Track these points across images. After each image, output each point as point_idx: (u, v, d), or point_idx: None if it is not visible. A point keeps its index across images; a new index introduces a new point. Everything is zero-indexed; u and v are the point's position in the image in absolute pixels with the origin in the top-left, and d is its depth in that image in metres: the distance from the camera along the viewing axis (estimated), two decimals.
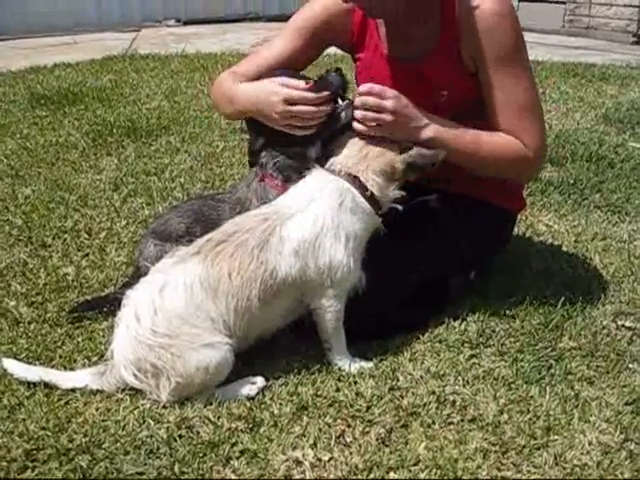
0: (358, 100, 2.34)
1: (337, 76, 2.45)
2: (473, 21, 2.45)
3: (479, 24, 2.44)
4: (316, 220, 2.26)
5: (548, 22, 9.29)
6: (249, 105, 2.51)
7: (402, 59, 2.60)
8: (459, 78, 2.51)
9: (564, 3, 9.26)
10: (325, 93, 2.39)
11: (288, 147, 2.47)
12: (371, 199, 2.32)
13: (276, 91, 2.41)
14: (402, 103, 2.34)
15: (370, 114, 2.32)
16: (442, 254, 2.61)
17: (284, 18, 9.16)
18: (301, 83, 2.41)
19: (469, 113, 2.48)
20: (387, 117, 2.32)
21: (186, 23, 9.67)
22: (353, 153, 2.35)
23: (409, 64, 2.57)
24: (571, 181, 3.96)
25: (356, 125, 2.36)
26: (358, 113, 2.34)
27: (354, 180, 2.32)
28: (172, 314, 2.18)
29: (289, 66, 2.67)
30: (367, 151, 2.35)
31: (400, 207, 2.39)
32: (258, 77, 2.58)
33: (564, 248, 3.25)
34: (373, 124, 2.34)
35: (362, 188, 2.31)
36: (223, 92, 2.66)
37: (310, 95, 2.37)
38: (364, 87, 2.34)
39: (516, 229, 3.12)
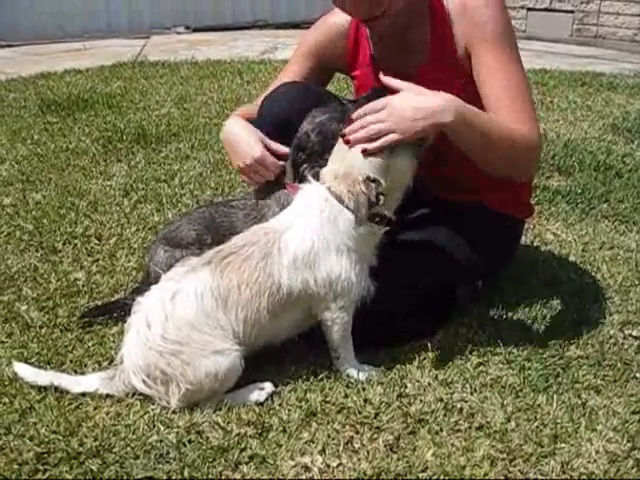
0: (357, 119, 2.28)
1: (381, 94, 2.49)
2: (460, 13, 2.48)
3: (469, 13, 2.46)
4: (305, 235, 2.27)
5: (556, 31, 9.30)
6: (227, 140, 2.68)
7: (395, 72, 2.62)
8: (452, 87, 2.51)
9: (572, 12, 9.27)
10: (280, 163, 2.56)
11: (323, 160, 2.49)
12: (358, 210, 2.28)
13: (253, 147, 2.56)
14: (394, 105, 2.24)
15: (371, 127, 2.23)
16: (449, 263, 2.62)
17: (292, 25, 9.25)
18: (281, 148, 2.57)
19: None
20: (389, 125, 2.22)
21: (195, 30, 9.70)
22: (334, 166, 2.30)
23: (402, 76, 2.59)
24: (579, 190, 3.96)
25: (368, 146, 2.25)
26: (354, 127, 2.26)
27: (333, 194, 2.28)
28: (183, 321, 2.20)
29: None
30: (342, 164, 2.28)
31: (393, 217, 2.35)
32: None
33: (571, 257, 3.26)
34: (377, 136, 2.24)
35: (341, 201, 2.27)
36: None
37: (275, 165, 2.56)
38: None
39: (523, 238, 3.13)
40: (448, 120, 2.23)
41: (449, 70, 2.53)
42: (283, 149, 2.56)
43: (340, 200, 2.26)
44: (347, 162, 2.26)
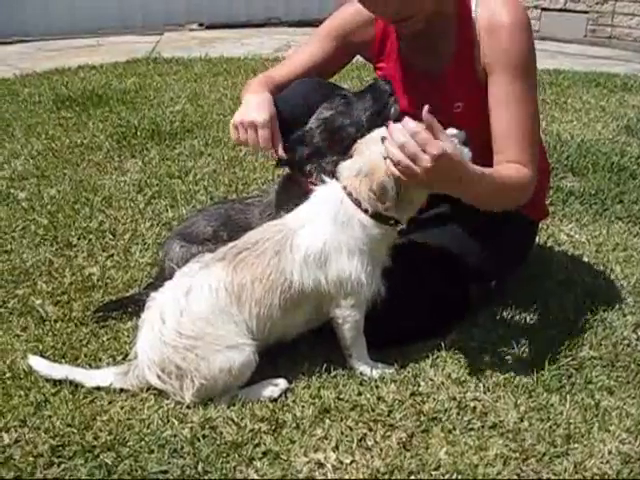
0: (397, 134, 2.08)
1: (387, 84, 2.53)
2: (488, 30, 2.48)
3: (494, 34, 2.46)
4: (318, 234, 2.28)
5: (571, 31, 9.27)
6: (246, 99, 2.64)
7: (420, 70, 2.63)
8: (474, 91, 2.53)
9: (587, 13, 9.24)
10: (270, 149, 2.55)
11: (331, 156, 2.50)
12: (374, 213, 2.27)
13: (261, 114, 2.54)
14: (442, 162, 2.06)
15: (404, 160, 2.06)
16: (463, 263, 2.63)
17: (305, 23, 9.24)
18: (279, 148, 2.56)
19: (483, 128, 2.49)
20: (419, 171, 2.06)
21: (208, 27, 9.72)
22: (354, 165, 2.28)
23: (427, 75, 2.61)
24: (592, 191, 3.96)
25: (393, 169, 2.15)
26: (393, 151, 2.08)
27: (349, 195, 2.28)
28: (197, 316, 2.21)
29: (320, 70, 2.79)
30: (361, 167, 2.25)
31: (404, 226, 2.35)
32: (290, 81, 2.71)
33: (585, 258, 3.26)
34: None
35: (357, 203, 2.27)
36: (246, 89, 2.76)
37: (266, 140, 2.52)
38: (411, 125, 2.09)
39: (537, 238, 3.13)
40: (457, 196, 2.27)
41: (471, 75, 2.53)
42: (280, 149, 2.57)
43: (356, 201, 2.26)
44: (372, 161, 2.24)
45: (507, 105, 2.45)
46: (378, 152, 2.20)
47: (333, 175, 2.38)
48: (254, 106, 2.57)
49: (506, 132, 2.45)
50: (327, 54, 2.78)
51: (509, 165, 2.42)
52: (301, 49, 2.88)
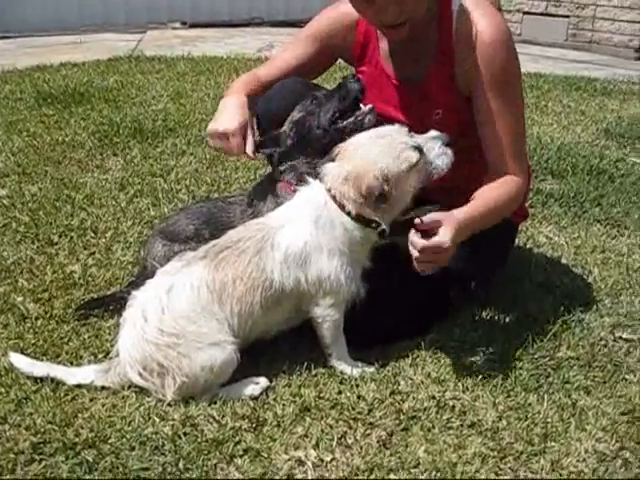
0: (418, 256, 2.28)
1: (355, 83, 2.53)
2: (470, 47, 2.50)
3: (475, 49, 2.49)
4: (299, 234, 2.31)
5: (552, 35, 9.35)
6: (221, 106, 2.67)
7: (401, 77, 2.66)
8: (453, 99, 2.57)
9: (568, 17, 9.31)
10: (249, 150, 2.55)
11: (303, 157, 2.52)
12: (357, 216, 2.31)
13: (233, 122, 2.57)
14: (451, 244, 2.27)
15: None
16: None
17: (289, 23, 9.24)
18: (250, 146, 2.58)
19: (461, 133, 2.53)
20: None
21: (191, 26, 9.71)
22: (340, 169, 2.30)
23: (407, 82, 2.63)
24: (572, 194, 4.00)
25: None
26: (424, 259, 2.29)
27: (334, 198, 2.31)
28: (179, 314, 2.23)
29: (304, 70, 2.82)
30: (349, 171, 2.29)
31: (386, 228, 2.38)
32: (275, 80, 2.75)
33: (564, 260, 3.30)
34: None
35: (341, 206, 2.30)
36: (229, 87, 2.80)
37: (239, 147, 2.55)
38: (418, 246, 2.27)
39: (517, 240, 3.17)
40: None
41: (450, 82, 2.57)
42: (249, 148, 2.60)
43: (340, 204, 2.29)
44: (361, 166, 2.26)
45: (496, 119, 2.51)
46: (366, 156, 2.24)
47: (307, 175, 2.42)
48: (226, 114, 2.61)
49: (498, 146, 2.53)
50: (309, 56, 2.80)
51: (503, 180, 2.52)
52: (285, 50, 2.90)
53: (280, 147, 2.57)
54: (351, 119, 2.52)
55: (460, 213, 2.33)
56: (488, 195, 2.48)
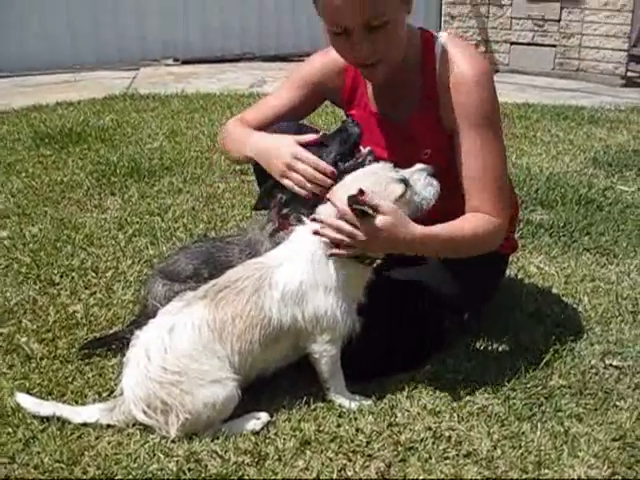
0: (329, 220, 2.34)
1: (355, 126, 2.61)
2: (450, 86, 2.56)
3: (456, 89, 2.55)
4: (296, 273, 2.37)
5: (539, 64, 9.50)
6: (259, 151, 2.67)
7: (389, 118, 2.74)
8: (440, 139, 2.63)
9: (554, 46, 9.47)
10: (328, 168, 2.51)
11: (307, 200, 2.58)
12: None
13: (288, 144, 2.56)
14: (373, 228, 2.29)
15: (342, 239, 2.32)
16: (437, 297, 2.73)
17: (280, 58, 9.35)
18: (311, 136, 2.59)
19: (451, 170, 2.59)
20: (359, 246, 2.33)
21: (184, 62, 9.83)
22: (331, 209, 2.37)
23: (395, 123, 2.72)
24: (561, 224, 4.08)
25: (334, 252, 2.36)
26: (330, 234, 2.33)
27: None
28: (181, 353, 2.29)
29: (291, 115, 2.87)
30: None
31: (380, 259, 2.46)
32: (264, 125, 2.80)
33: (554, 289, 3.36)
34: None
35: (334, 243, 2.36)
36: (235, 137, 2.83)
37: (313, 158, 2.52)
38: (339, 206, 2.32)
39: (508, 270, 3.23)
40: (409, 254, 2.44)
41: (436, 124, 2.63)
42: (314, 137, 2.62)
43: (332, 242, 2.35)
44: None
45: (475, 158, 2.54)
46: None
47: (307, 217, 2.48)
48: (279, 144, 2.61)
49: (476, 184, 2.55)
50: (298, 101, 2.88)
51: (480, 216, 2.53)
52: (273, 95, 2.98)
53: (284, 193, 2.60)
54: (351, 161, 2.59)
55: (418, 228, 2.36)
56: (458, 224, 2.50)
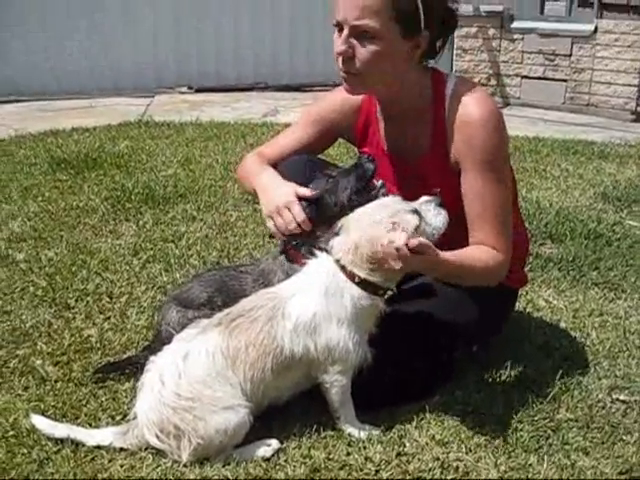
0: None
1: (370, 162, 2.67)
2: (458, 126, 2.63)
3: (463, 129, 2.62)
4: (309, 304, 2.41)
5: (550, 99, 9.56)
6: (260, 188, 2.79)
7: (400, 157, 2.81)
8: (448, 178, 2.68)
9: (565, 81, 9.53)
10: (308, 227, 2.62)
11: (319, 232, 2.64)
12: (364, 283, 2.41)
13: (287, 193, 2.66)
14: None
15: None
16: (446, 330, 2.76)
17: (293, 88, 9.44)
18: (307, 192, 2.67)
19: (459, 205, 2.65)
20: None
21: (198, 90, 9.93)
22: (347, 240, 2.41)
23: (406, 163, 2.78)
24: (570, 258, 4.11)
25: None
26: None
27: (342, 268, 2.42)
28: (195, 379, 2.33)
29: (306, 150, 2.97)
30: (356, 241, 2.39)
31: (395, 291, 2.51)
32: (280, 160, 2.89)
33: (562, 323, 3.39)
34: None
35: (350, 275, 2.41)
36: (248, 170, 2.92)
37: (300, 214, 2.61)
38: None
39: (517, 304, 3.26)
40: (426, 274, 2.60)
41: (446, 164, 2.70)
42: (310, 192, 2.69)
43: (349, 273, 2.40)
44: (366, 232, 2.38)
45: (480, 197, 2.61)
46: (370, 224, 2.38)
47: (320, 249, 2.54)
48: (278, 188, 2.72)
49: (480, 222, 2.62)
50: (312, 138, 2.97)
51: (486, 249, 2.60)
52: (288, 131, 3.08)
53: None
54: (365, 195, 2.64)
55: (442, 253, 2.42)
56: (469, 253, 2.57)
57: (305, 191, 2.67)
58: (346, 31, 2.53)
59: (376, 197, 2.62)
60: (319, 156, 3.05)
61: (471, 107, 2.62)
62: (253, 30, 10.29)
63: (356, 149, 3.01)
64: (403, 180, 2.79)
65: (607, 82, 9.27)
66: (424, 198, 2.52)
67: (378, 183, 2.67)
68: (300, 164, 2.88)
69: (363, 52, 2.53)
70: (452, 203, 2.57)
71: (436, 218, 2.49)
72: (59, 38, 9.28)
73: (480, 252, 2.59)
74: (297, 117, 3.16)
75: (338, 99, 2.92)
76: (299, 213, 2.61)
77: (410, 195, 2.55)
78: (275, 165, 2.89)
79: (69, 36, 9.35)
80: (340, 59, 2.59)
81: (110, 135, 6.86)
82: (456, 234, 2.55)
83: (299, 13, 10.38)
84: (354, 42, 2.53)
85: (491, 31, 9.72)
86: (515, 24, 9.58)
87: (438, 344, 2.76)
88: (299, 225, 2.61)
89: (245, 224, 4.52)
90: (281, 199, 2.65)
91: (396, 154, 2.82)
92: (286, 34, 10.43)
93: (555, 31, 9.34)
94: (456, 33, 9.87)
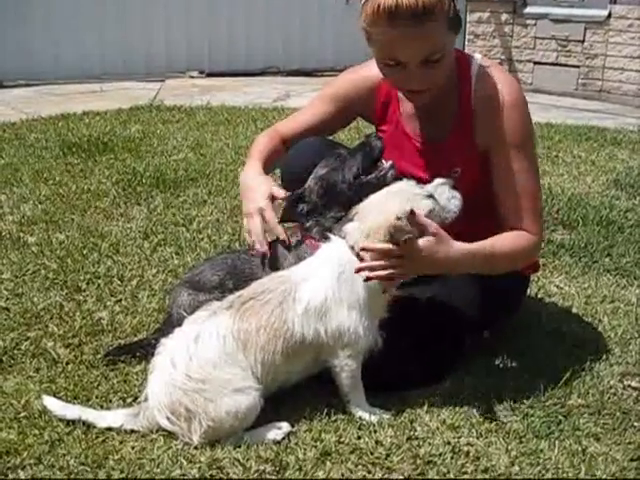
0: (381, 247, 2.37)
1: (378, 140, 2.66)
2: (487, 110, 2.65)
3: (494, 112, 2.63)
4: (320, 289, 2.42)
5: (562, 85, 9.50)
6: (243, 184, 2.82)
7: (421, 137, 2.79)
8: (472, 159, 2.70)
9: (578, 67, 9.47)
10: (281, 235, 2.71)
11: (328, 212, 2.65)
12: None
13: (262, 196, 2.69)
14: (416, 254, 2.36)
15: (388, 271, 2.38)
16: (458, 315, 2.76)
17: (304, 73, 9.43)
18: (282, 193, 2.70)
19: (477, 190, 2.65)
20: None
21: (209, 75, 9.92)
22: (361, 227, 2.42)
23: (427, 143, 2.77)
24: (582, 244, 4.09)
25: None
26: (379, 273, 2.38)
27: (357, 255, 2.42)
28: (206, 361, 2.33)
29: (323, 128, 2.97)
30: (370, 226, 2.40)
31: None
32: (297, 135, 2.91)
33: (574, 310, 3.38)
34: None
35: (363, 262, 2.41)
36: (250, 152, 2.95)
37: (272, 221, 2.66)
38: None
39: (529, 290, 3.25)
40: (452, 274, 2.58)
41: (470, 145, 2.70)
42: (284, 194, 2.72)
43: (362, 260, 2.39)
44: (379, 218, 2.38)
45: (515, 179, 2.64)
46: (384, 210, 2.38)
47: (330, 230, 2.54)
48: (254, 191, 2.74)
49: (516, 206, 2.65)
50: (329, 116, 2.95)
51: (518, 234, 2.63)
52: (306, 109, 3.06)
53: (307, 204, 2.68)
54: (373, 174, 2.64)
55: (457, 246, 2.44)
56: (498, 241, 2.58)
57: (280, 192, 2.70)
58: (415, 67, 2.49)
59: (385, 177, 2.61)
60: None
61: (500, 89, 2.64)
62: (265, 15, 10.25)
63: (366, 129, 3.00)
64: (422, 160, 2.78)
65: (620, 68, 9.21)
66: (438, 180, 2.52)
67: (387, 164, 2.66)
68: (314, 145, 2.87)
69: (436, 73, 2.53)
70: (472, 183, 2.56)
71: (450, 202, 2.49)
72: (70, 22, 9.26)
73: (510, 238, 2.62)
74: (308, 102, 3.15)
75: (357, 77, 2.92)
76: (270, 220, 2.66)
77: (429, 175, 2.54)
78: (291, 141, 2.91)
79: (84, 21, 9.33)
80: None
81: (121, 119, 6.86)
82: (477, 222, 2.56)
83: None
84: (425, 70, 2.50)
85: (504, 16, 9.67)
86: (528, 9, 9.53)
87: (448, 329, 2.75)
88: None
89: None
90: (255, 204, 2.69)
91: (419, 133, 2.80)
92: (297, 19, 10.38)
93: (568, 17, 9.28)
94: (468, 18, 9.83)
